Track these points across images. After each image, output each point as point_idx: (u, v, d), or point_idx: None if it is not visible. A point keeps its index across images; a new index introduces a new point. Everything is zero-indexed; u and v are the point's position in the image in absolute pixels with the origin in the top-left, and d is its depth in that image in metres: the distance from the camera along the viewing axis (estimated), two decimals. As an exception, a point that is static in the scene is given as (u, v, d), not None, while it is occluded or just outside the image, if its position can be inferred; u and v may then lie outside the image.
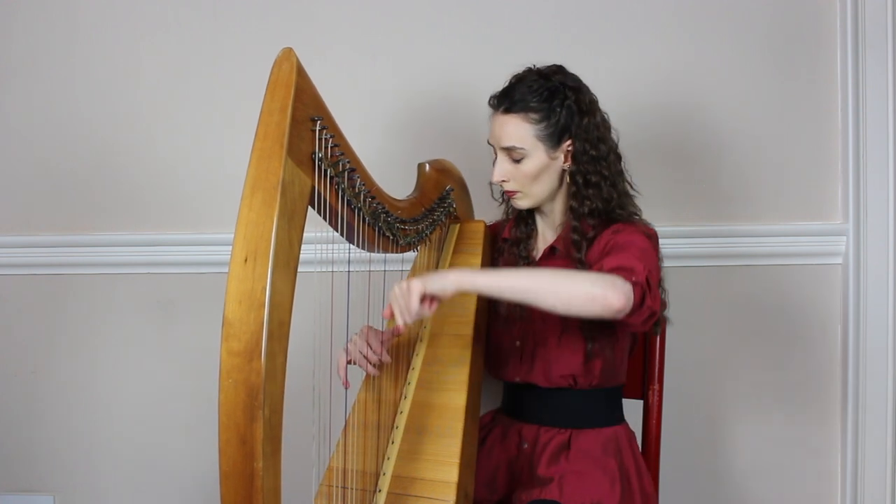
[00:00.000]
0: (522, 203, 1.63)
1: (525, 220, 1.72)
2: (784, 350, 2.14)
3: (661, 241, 2.09)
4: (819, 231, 2.12)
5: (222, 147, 2.15)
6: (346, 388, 1.49)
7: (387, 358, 1.54)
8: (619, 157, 1.64)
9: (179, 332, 2.20)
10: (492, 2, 2.12)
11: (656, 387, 1.78)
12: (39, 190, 2.21)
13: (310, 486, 1.40)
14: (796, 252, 2.12)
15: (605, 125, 1.63)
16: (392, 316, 1.38)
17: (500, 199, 1.77)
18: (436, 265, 1.75)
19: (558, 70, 1.61)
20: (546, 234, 1.70)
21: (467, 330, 1.59)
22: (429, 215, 1.63)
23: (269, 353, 0.97)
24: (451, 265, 1.72)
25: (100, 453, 2.26)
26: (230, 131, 2.11)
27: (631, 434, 1.70)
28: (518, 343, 1.66)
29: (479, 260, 1.71)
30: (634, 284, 1.39)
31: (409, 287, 1.36)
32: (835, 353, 2.14)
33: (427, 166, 1.69)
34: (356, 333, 1.55)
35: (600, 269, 1.44)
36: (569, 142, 1.58)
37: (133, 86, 2.18)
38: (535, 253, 1.70)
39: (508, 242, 1.73)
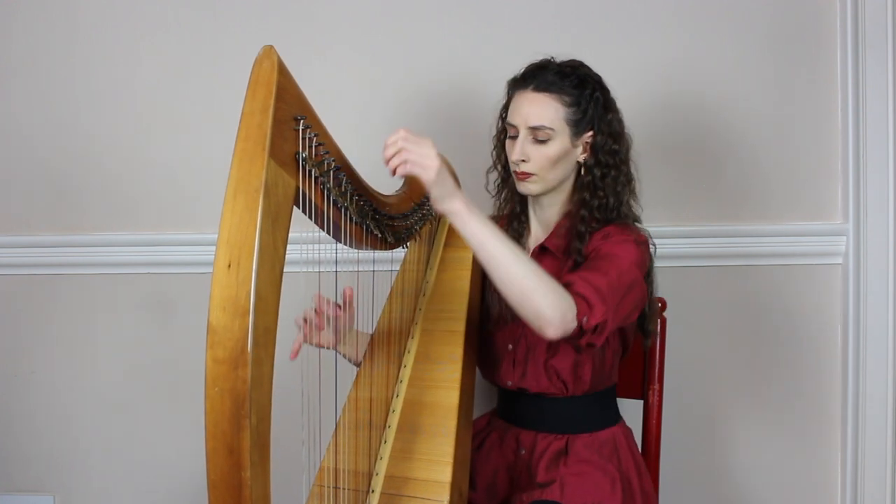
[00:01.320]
0: (533, 188, 1.59)
1: (518, 216, 1.69)
2: (784, 350, 2.14)
3: (660, 240, 2.09)
4: (819, 231, 2.12)
5: (222, 147, 2.12)
6: (292, 359, 1.43)
7: (328, 310, 1.50)
8: (629, 158, 1.64)
9: (179, 332, 2.20)
10: (492, 2, 2.11)
11: (656, 387, 1.77)
12: (39, 190, 2.21)
13: (300, 491, 1.40)
14: (796, 252, 2.11)
15: (622, 124, 1.63)
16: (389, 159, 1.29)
17: (495, 191, 1.74)
18: (426, 261, 1.73)
19: (581, 64, 1.61)
20: (538, 232, 1.69)
21: (459, 326, 1.58)
22: (418, 210, 1.59)
23: (254, 360, 0.95)
24: (442, 259, 1.71)
25: (99, 453, 2.26)
26: (230, 131, 2.09)
27: (628, 432, 1.69)
28: (510, 347, 1.65)
29: (469, 254, 1.69)
30: (581, 325, 1.38)
31: (428, 159, 1.27)
32: (835, 353, 2.13)
33: None
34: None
35: (570, 284, 1.40)
36: (590, 133, 1.57)
37: (133, 86, 2.18)
38: (526, 250, 1.68)
39: None
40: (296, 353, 1.46)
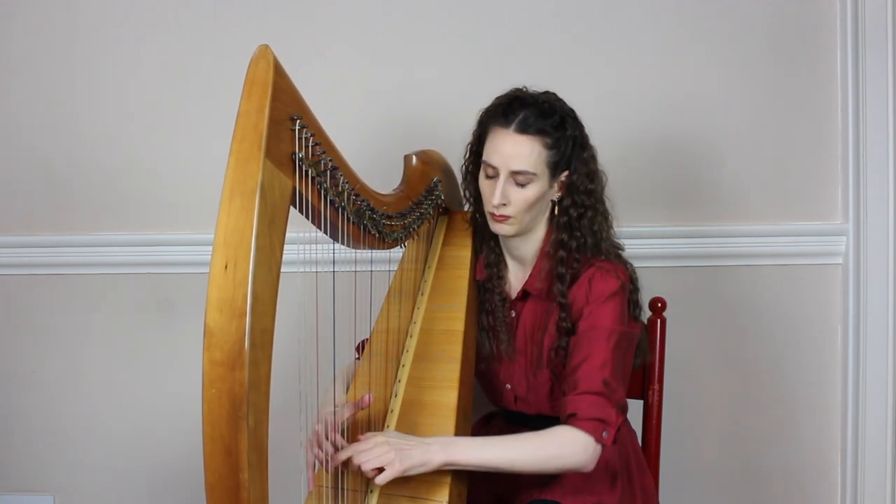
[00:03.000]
0: (509, 230, 1.55)
1: (493, 250, 1.66)
2: (784, 350, 2.14)
3: (660, 240, 2.10)
4: (819, 231, 2.11)
5: (223, 147, 2.12)
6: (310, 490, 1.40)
7: (336, 453, 1.40)
8: (604, 195, 1.60)
9: (179, 332, 2.20)
10: (492, 2, 2.11)
11: (656, 387, 1.77)
12: (39, 190, 2.21)
13: (299, 492, 1.39)
14: (796, 252, 2.11)
15: (596, 160, 1.58)
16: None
17: (469, 224, 1.72)
18: (425, 259, 1.73)
19: (556, 98, 1.55)
20: (515, 270, 1.66)
21: (458, 325, 1.57)
22: (416, 209, 1.58)
23: (252, 362, 0.95)
24: (441, 258, 1.70)
25: (100, 453, 2.26)
26: (230, 131, 2.09)
27: (631, 431, 1.69)
28: (508, 386, 1.65)
29: (468, 252, 1.69)
30: (601, 441, 1.42)
31: (385, 459, 1.31)
32: (835, 353, 2.13)
33: (414, 158, 1.62)
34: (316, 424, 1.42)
35: (576, 416, 1.41)
36: (566, 173, 1.54)
37: (133, 86, 2.18)
38: (508, 289, 1.65)
39: (482, 283, 1.68)
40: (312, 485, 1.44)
